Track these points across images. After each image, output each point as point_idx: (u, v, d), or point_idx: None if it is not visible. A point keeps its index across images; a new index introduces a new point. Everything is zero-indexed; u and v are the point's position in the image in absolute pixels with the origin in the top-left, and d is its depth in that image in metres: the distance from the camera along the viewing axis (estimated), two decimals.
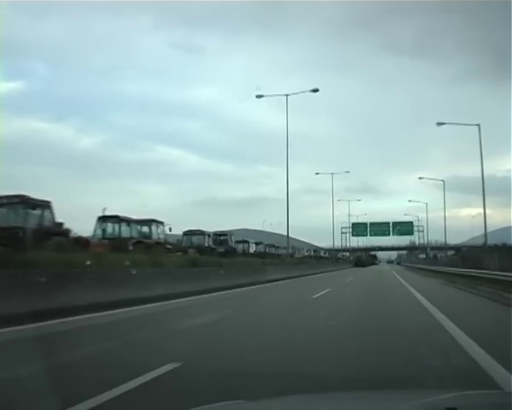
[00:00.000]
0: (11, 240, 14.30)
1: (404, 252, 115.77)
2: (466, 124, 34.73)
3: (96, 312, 9.47)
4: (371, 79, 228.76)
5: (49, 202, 18.07)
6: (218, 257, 28.10)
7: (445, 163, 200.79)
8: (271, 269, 28.71)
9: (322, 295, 16.24)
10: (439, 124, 35.16)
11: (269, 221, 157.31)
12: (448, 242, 56.39)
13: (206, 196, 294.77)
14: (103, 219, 23.97)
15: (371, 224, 77.20)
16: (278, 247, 56.50)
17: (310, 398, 2.83)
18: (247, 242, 47.61)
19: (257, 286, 20.44)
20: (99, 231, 23.51)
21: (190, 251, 29.37)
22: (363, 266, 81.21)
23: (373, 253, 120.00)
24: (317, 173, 60.92)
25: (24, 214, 16.99)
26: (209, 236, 35.29)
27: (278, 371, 5.18)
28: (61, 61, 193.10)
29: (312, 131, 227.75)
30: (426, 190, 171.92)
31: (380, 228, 76.98)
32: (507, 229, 41.63)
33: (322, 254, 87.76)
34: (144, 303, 11.37)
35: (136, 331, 8.06)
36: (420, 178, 54.30)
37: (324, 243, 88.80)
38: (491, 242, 35.96)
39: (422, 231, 74.23)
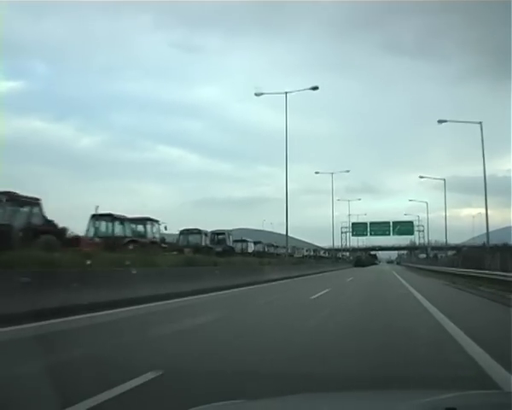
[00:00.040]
0: None
1: (405, 252, 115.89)
2: (468, 121, 34.69)
3: (78, 314, 9.06)
4: (372, 78, 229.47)
5: (38, 200, 17.66)
6: (216, 256, 27.83)
7: (446, 163, 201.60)
8: (269, 269, 28.60)
9: (320, 296, 16.22)
10: (441, 121, 35.16)
11: (269, 221, 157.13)
12: (448, 242, 56.51)
13: (207, 195, 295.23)
14: (96, 217, 23.37)
15: (371, 223, 77.31)
16: (277, 246, 56.51)
17: (310, 398, 2.86)
18: (246, 241, 47.29)
19: (254, 286, 20.34)
20: (92, 230, 23.08)
21: (186, 250, 29.14)
22: (363, 265, 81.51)
23: (373, 253, 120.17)
24: (316, 172, 60.91)
25: (11, 212, 16.59)
26: (206, 235, 35.01)
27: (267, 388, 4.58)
28: (61, 61, 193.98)
29: (313, 131, 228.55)
30: (426, 190, 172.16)
31: (380, 228, 77.07)
32: (507, 229, 41.71)
33: (321, 253, 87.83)
34: (128, 305, 10.70)
35: (115, 336, 7.62)
36: (421, 177, 54.58)
37: (324, 242, 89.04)
38: (491, 242, 35.99)
39: (423, 231, 74.44)
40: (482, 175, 32.16)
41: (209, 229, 37.11)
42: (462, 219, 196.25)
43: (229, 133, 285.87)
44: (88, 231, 22.93)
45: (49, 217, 18.37)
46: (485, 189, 31.99)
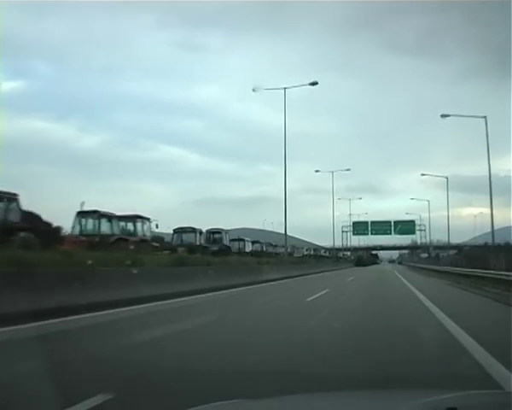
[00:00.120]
0: None
1: (406, 251, 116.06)
2: (472, 116, 34.69)
3: (45, 320, 8.19)
4: (372, 78, 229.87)
5: (15, 195, 17.28)
6: (211, 256, 27.34)
7: (447, 162, 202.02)
8: (267, 268, 28.43)
9: (320, 296, 16.24)
10: (444, 116, 35.12)
11: (270, 220, 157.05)
12: (450, 241, 56.54)
13: (208, 195, 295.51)
14: (82, 214, 22.88)
15: (372, 222, 77.36)
16: (276, 245, 56.53)
17: (310, 398, 2.90)
18: (243, 240, 46.78)
19: (252, 286, 20.22)
20: (77, 227, 22.63)
21: (180, 250, 28.71)
22: (365, 265, 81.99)
23: (374, 252, 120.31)
24: (316, 171, 60.75)
25: None
26: (201, 233, 34.42)
27: None
28: (62, 61, 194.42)
29: (314, 131, 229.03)
30: (427, 189, 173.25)
31: (381, 227, 77.12)
32: (507, 228, 41.84)
33: (322, 253, 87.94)
34: (104, 309, 9.96)
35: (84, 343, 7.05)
36: (422, 174, 54.80)
37: (325, 242, 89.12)
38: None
39: (424, 230, 74.46)
40: (484, 174, 32.33)
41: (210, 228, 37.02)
42: (463, 219, 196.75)
43: (230, 133, 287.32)
44: (73, 228, 22.48)
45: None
46: (490, 186, 31.96)
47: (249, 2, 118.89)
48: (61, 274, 10.55)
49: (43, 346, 6.41)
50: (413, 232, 78.31)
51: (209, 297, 14.91)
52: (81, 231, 22.62)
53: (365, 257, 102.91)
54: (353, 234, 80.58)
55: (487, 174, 32.42)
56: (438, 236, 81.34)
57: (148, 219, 26.46)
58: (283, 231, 38.80)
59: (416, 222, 75.11)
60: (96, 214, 23.00)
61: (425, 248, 77.65)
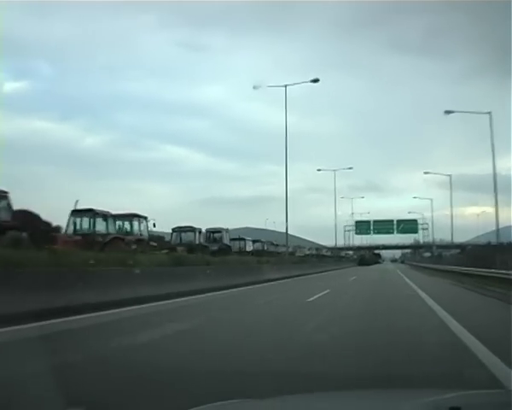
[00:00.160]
0: None
1: (408, 251, 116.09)
2: (476, 112, 34.77)
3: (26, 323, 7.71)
4: (376, 77, 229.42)
5: (5, 192, 17.00)
6: (210, 255, 27.04)
7: (450, 161, 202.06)
8: (268, 268, 28.35)
9: (322, 296, 16.21)
10: (448, 112, 35.10)
11: (273, 220, 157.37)
12: (453, 240, 56.67)
13: (212, 194, 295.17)
14: (76, 213, 22.62)
15: (375, 222, 77.56)
16: (277, 245, 56.48)
17: (310, 397, 2.89)
18: (244, 239, 46.47)
19: (252, 286, 20.17)
20: (71, 227, 22.43)
21: (179, 249, 28.32)
22: (367, 264, 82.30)
23: (377, 251, 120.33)
24: (318, 170, 60.67)
25: None
26: (200, 232, 34.13)
27: None
28: (65, 61, 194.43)
29: (317, 130, 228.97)
30: (430, 188, 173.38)
31: (384, 226, 77.32)
32: (508, 228, 41.89)
33: (324, 252, 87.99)
34: (93, 311, 9.59)
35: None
36: (426, 172, 54.94)
37: (328, 241, 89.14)
38: (494, 240, 36.21)
39: (427, 229, 74.57)
40: (486, 173, 32.56)
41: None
42: (466, 218, 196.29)
43: (234, 132, 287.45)
44: (68, 227, 22.31)
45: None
46: (495, 184, 32.03)
47: (252, 1, 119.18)
48: (47, 275, 10.16)
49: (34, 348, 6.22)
50: (416, 231, 78.66)
51: (209, 297, 14.88)
52: (75, 230, 22.42)
53: (368, 256, 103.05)
54: (356, 233, 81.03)
55: (490, 173, 32.56)
56: (440, 235, 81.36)
57: (145, 218, 26.21)
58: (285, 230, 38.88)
59: (419, 221, 75.40)
60: (91, 213, 22.69)
61: (428, 247, 77.73)
